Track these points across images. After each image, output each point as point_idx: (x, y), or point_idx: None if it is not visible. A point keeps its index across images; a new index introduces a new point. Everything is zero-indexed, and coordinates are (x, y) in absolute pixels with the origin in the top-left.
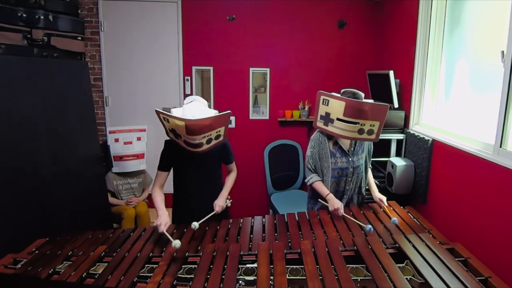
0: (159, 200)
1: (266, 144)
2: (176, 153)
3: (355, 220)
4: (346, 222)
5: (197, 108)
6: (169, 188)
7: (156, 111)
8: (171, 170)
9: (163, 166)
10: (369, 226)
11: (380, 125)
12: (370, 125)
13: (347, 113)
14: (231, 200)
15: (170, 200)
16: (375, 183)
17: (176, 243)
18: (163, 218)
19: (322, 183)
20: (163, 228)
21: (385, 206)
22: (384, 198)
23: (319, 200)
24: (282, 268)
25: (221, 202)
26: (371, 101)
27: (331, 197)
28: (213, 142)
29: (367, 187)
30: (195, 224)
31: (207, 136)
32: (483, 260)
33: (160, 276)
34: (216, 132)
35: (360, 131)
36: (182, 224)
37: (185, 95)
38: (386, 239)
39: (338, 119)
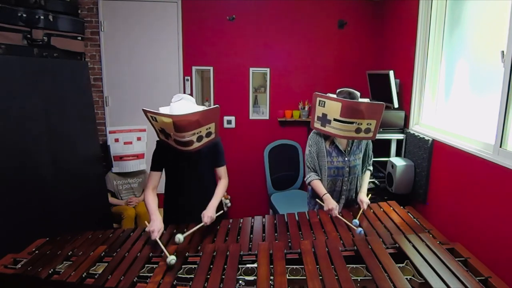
0: (152, 203)
1: (266, 144)
2: (168, 153)
3: (347, 222)
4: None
5: (184, 106)
6: (161, 188)
7: (144, 110)
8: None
9: (155, 166)
10: (360, 228)
11: (377, 124)
12: (367, 124)
13: (343, 114)
14: (229, 198)
15: (162, 199)
16: (377, 183)
17: (172, 259)
18: (156, 224)
19: (321, 182)
20: (156, 236)
21: (362, 209)
22: (366, 203)
23: (317, 199)
24: (282, 268)
25: (210, 212)
26: (366, 100)
27: (327, 197)
28: (204, 140)
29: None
30: (179, 237)
31: (197, 133)
32: (483, 260)
33: (160, 276)
34: (206, 129)
35: (357, 130)
36: (173, 225)
37: None
38: (386, 239)
39: (335, 120)
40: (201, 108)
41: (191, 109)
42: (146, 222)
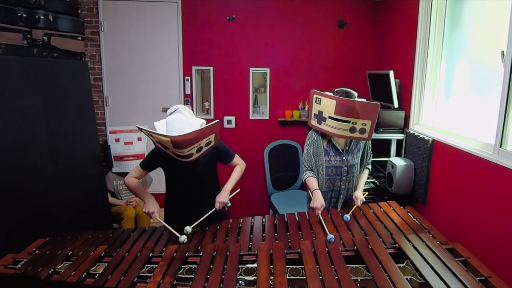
0: (139, 186)
1: (266, 144)
2: (165, 158)
3: (324, 226)
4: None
5: (181, 122)
6: (161, 188)
7: (138, 127)
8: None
9: (146, 165)
10: (331, 235)
11: (372, 124)
12: (362, 124)
13: (338, 112)
14: (235, 193)
15: (162, 200)
16: (377, 183)
17: (184, 238)
18: (152, 204)
19: (315, 179)
20: (156, 216)
21: (356, 205)
22: (360, 200)
23: (308, 190)
24: (282, 268)
25: (222, 197)
26: (363, 100)
27: (316, 193)
28: (204, 149)
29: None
30: (187, 229)
31: (196, 146)
32: (483, 260)
33: (160, 276)
34: (206, 140)
35: (352, 130)
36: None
37: (185, 95)
38: (386, 239)
39: (330, 118)
40: (199, 121)
41: (188, 123)
42: (139, 203)
